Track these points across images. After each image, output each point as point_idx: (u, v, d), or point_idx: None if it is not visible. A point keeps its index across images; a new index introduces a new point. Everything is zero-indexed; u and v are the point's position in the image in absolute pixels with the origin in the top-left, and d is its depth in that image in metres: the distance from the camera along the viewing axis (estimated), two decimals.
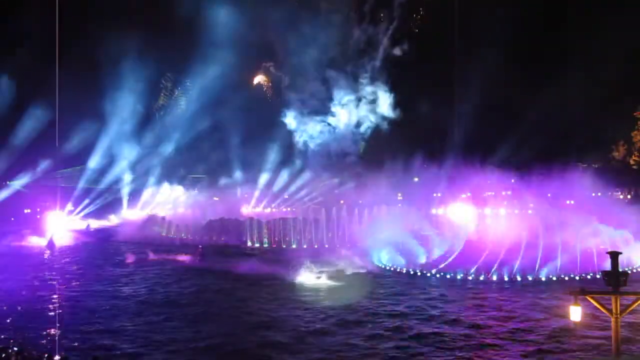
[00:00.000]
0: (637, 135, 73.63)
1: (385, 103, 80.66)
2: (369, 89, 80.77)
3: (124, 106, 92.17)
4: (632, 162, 72.84)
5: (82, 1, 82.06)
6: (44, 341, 24.23)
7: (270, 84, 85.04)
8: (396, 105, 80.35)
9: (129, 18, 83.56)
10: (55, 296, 34.39)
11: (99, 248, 59.19)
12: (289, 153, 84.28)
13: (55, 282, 38.91)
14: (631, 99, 73.53)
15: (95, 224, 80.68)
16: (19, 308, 30.69)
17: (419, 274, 40.50)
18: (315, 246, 58.84)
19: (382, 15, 79.44)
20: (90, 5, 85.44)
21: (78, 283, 39.17)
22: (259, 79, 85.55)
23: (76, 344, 24.30)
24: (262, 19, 79.67)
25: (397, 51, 79.80)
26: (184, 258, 49.68)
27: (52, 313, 29.91)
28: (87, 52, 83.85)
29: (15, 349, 18.75)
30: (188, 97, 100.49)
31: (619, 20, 70.02)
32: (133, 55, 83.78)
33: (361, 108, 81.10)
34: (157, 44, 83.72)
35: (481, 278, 38.29)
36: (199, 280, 39.45)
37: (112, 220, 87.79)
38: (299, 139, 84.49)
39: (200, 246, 52.53)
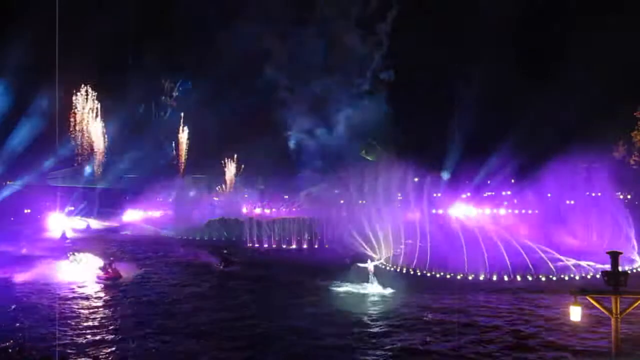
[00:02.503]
0: (637, 135, 73.53)
1: (379, 112, 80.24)
2: (364, 101, 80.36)
3: (125, 106, 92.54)
4: (632, 162, 72.71)
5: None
6: (44, 341, 24.24)
7: None
8: (393, 111, 79.91)
9: (129, 18, 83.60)
10: (56, 297, 34.42)
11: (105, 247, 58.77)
12: (287, 154, 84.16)
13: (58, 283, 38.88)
14: (631, 99, 73.46)
15: (96, 224, 79.99)
16: (19, 307, 30.82)
17: (418, 273, 40.42)
18: (316, 246, 58.93)
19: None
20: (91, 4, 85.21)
21: (81, 283, 38.40)
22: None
23: (75, 343, 24.30)
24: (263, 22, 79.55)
25: (385, 75, 78.79)
26: (208, 261, 46.81)
27: (53, 313, 29.90)
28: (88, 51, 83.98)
29: (17, 348, 18.82)
30: (188, 97, 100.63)
31: (619, 19, 70.05)
32: (134, 55, 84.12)
33: (358, 113, 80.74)
34: (157, 43, 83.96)
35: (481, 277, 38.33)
36: (253, 292, 35.08)
37: (114, 221, 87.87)
38: (294, 140, 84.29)
39: (225, 250, 47.82)
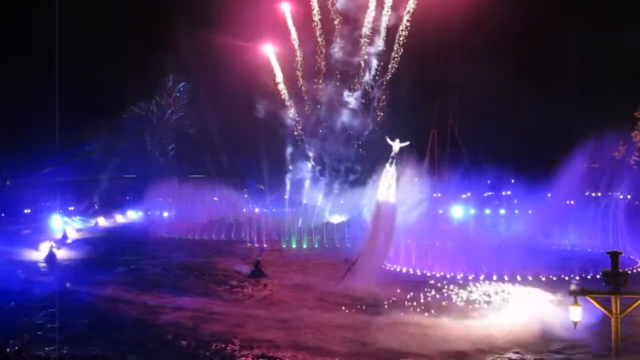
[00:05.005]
0: (637, 135, 73.43)
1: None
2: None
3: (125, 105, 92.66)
4: (632, 162, 72.62)
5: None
6: (43, 341, 24.18)
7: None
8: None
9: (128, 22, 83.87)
10: (55, 298, 34.31)
11: (107, 249, 57.17)
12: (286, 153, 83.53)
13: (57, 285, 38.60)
14: (631, 98, 73.41)
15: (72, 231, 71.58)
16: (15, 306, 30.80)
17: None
18: (316, 246, 58.86)
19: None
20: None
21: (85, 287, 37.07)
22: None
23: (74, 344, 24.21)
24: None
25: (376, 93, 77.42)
26: (240, 268, 42.67)
27: (51, 314, 29.86)
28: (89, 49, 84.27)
29: (16, 347, 18.79)
30: (188, 97, 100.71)
31: (619, 19, 70.15)
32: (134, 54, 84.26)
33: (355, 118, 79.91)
34: (157, 45, 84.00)
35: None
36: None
37: (118, 220, 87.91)
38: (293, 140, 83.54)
39: (259, 257, 43.82)
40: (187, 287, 36.90)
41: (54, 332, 25.44)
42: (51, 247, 51.11)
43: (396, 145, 36.20)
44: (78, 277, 40.06)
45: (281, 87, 75.52)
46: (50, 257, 48.88)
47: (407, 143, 37.48)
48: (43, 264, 47.19)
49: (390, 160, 35.96)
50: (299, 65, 74.58)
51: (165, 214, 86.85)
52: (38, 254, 51.21)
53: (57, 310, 29.41)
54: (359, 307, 29.74)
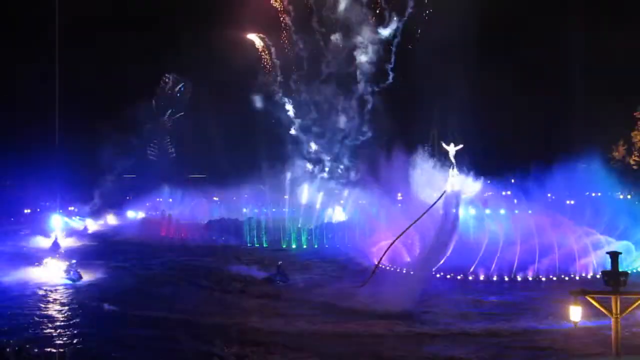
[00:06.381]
0: (637, 135, 73.49)
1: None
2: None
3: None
4: (632, 162, 72.73)
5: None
6: (42, 341, 24.16)
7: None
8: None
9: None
10: (56, 298, 34.35)
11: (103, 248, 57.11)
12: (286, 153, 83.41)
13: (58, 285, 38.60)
14: (631, 99, 73.49)
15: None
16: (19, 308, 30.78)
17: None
18: (315, 246, 58.77)
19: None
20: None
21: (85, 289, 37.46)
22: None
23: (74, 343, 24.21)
24: None
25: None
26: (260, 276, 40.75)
27: (51, 314, 29.88)
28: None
29: (16, 347, 18.80)
30: (189, 97, 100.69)
31: (619, 18, 70.14)
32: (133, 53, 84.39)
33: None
34: (156, 44, 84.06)
35: (481, 278, 38.20)
36: None
37: (111, 220, 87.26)
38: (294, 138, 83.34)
39: (280, 262, 41.85)
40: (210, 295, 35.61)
41: (53, 334, 25.49)
42: (73, 264, 42.14)
43: (452, 149, 36.33)
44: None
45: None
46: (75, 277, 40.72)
47: (461, 146, 37.42)
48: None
49: (451, 165, 36.71)
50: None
51: (141, 215, 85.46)
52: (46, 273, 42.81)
53: (58, 316, 29.48)
54: None
